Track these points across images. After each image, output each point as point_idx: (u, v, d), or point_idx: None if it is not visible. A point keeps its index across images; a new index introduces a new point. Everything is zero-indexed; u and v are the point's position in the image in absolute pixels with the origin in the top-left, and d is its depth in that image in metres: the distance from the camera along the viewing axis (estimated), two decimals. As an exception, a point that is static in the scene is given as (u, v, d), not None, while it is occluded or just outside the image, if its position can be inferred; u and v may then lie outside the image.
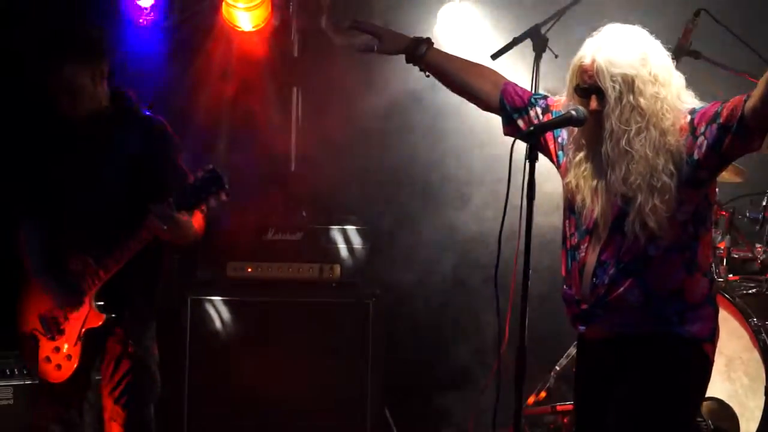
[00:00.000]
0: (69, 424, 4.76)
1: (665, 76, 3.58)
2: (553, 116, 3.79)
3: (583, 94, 3.60)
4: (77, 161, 4.67)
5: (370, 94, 6.49)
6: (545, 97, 3.89)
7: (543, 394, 6.21)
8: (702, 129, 3.53)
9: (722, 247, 5.69)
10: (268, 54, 6.77)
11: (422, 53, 3.99)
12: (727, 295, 5.40)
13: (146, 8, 6.57)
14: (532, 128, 3.62)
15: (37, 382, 4.87)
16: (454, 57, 4.08)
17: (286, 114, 6.96)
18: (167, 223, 4.44)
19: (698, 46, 5.46)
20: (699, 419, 5.14)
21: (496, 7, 6.66)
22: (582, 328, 3.75)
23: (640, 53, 3.56)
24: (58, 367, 4.68)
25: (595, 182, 3.64)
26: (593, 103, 3.58)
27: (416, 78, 4.14)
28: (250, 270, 6.23)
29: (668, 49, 3.64)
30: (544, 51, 5.43)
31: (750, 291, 5.61)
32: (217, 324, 6.11)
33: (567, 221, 3.77)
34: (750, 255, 5.79)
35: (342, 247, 6.26)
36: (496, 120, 3.96)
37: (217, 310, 6.11)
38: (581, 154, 3.68)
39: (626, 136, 3.55)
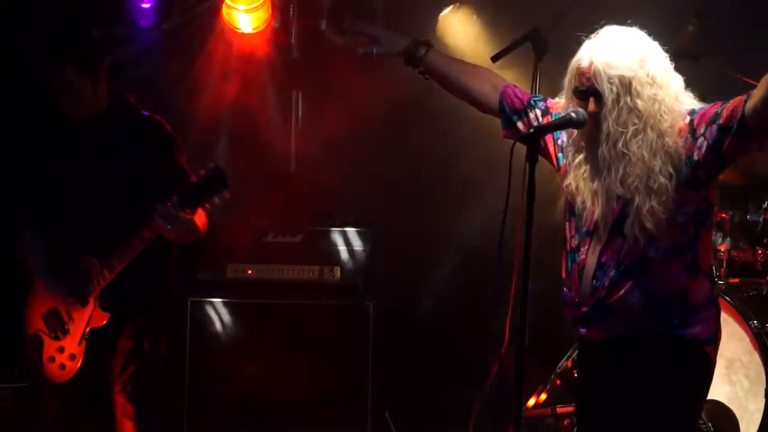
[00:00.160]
0: (73, 423, 4.75)
1: (663, 77, 3.57)
2: (553, 118, 3.78)
3: (581, 96, 3.60)
4: (77, 162, 4.67)
5: (370, 94, 6.49)
6: (545, 99, 3.88)
7: (543, 395, 6.20)
8: (702, 130, 3.52)
9: (723, 250, 5.68)
10: (269, 55, 6.77)
11: (421, 55, 3.99)
12: (727, 298, 5.39)
13: (147, 9, 6.57)
14: (531, 130, 3.60)
15: (40, 383, 4.86)
16: (454, 59, 4.09)
17: (286, 115, 6.96)
18: (172, 222, 4.42)
19: (699, 47, 5.46)
20: (699, 421, 5.13)
21: (496, 11, 6.66)
22: (582, 330, 3.75)
23: (638, 55, 3.55)
24: (62, 366, 4.68)
25: (594, 184, 3.63)
26: (591, 105, 3.57)
27: (416, 79, 4.13)
28: (250, 272, 6.23)
29: (667, 51, 3.63)
30: (544, 53, 5.43)
31: (750, 293, 5.60)
32: (218, 326, 6.10)
33: (567, 223, 3.77)
34: (750, 257, 5.79)
35: (342, 249, 6.26)
36: (496, 120, 3.95)
37: (218, 312, 6.11)
38: (581, 156, 3.68)
39: (623, 138, 3.54)
